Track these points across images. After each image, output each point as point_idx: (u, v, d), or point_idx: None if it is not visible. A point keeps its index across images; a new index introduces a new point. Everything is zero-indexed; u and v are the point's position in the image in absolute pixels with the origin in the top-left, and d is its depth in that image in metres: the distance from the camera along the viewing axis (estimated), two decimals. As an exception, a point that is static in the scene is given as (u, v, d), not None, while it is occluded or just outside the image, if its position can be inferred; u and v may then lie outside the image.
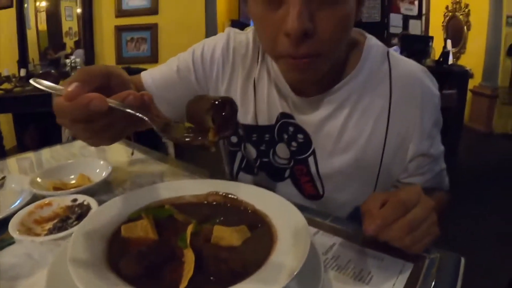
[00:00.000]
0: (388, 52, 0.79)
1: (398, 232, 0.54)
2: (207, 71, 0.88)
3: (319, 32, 0.61)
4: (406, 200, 0.56)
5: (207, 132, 0.50)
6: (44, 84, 0.49)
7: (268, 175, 0.89)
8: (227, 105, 0.50)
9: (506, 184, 3.39)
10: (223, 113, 0.50)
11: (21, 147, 3.82)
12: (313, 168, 0.82)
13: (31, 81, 0.50)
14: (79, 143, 1.22)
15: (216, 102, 0.50)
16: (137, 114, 0.48)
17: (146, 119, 0.49)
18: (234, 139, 0.91)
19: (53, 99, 0.48)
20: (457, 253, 0.60)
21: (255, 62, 0.85)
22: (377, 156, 0.78)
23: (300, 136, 0.81)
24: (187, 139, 0.50)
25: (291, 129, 0.82)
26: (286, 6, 0.59)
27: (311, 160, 0.82)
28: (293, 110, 0.81)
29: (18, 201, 0.73)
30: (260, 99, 0.84)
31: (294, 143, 0.83)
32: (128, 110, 0.47)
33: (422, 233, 0.55)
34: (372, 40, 0.80)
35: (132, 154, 1.03)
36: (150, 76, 0.90)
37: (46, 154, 1.15)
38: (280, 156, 0.86)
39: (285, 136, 0.83)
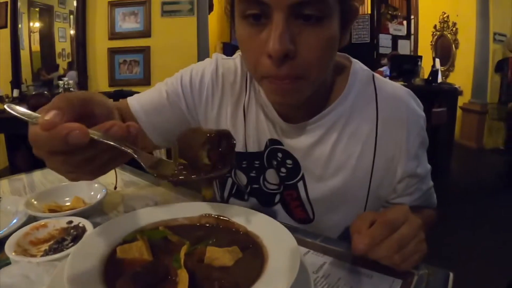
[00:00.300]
0: (373, 76, 0.81)
1: (387, 251, 0.56)
2: (196, 97, 0.88)
3: (301, 54, 0.61)
4: (394, 219, 0.58)
5: (200, 169, 0.47)
6: (19, 111, 0.44)
7: (259, 201, 0.90)
8: (224, 140, 0.48)
9: (497, 200, 3.42)
10: (220, 149, 0.47)
11: (13, 168, 3.80)
12: (302, 193, 0.83)
13: (5, 106, 0.45)
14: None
15: (212, 135, 0.47)
16: (122, 148, 0.44)
17: (132, 153, 0.45)
18: None
19: (29, 128, 0.43)
20: (446, 269, 0.62)
21: (244, 89, 0.86)
22: (365, 179, 0.79)
23: (289, 161, 0.82)
24: (180, 177, 0.47)
25: (279, 155, 0.83)
26: (269, 28, 0.60)
27: (300, 185, 0.83)
28: (281, 136, 0.82)
29: (14, 222, 0.74)
30: (249, 125, 0.85)
31: (283, 169, 0.84)
32: (112, 143, 0.43)
33: (410, 251, 0.57)
34: (357, 65, 0.81)
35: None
36: (138, 101, 0.88)
37: (38, 176, 1.15)
38: (270, 181, 0.87)
39: (274, 162, 0.84)
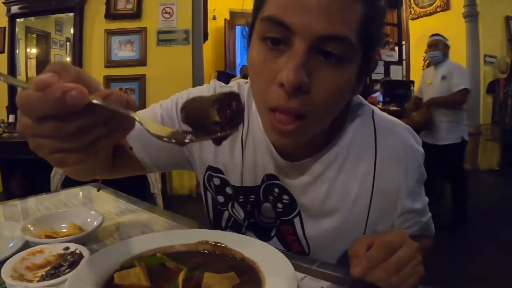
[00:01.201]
0: (373, 112, 0.79)
1: (385, 273, 0.56)
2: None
3: (314, 90, 0.59)
4: (391, 242, 0.58)
5: (209, 134, 0.45)
6: (10, 78, 0.40)
7: (256, 235, 0.87)
8: (233, 100, 0.46)
9: (493, 220, 3.43)
10: (230, 107, 0.45)
11: (8, 194, 3.77)
12: (299, 229, 0.82)
13: None
14: (65, 193, 1.23)
15: (224, 95, 0.45)
16: (126, 112, 0.40)
17: (136, 118, 0.41)
18: (221, 198, 0.88)
19: (19, 93, 0.38)
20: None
21: (242, 122, 0.79)
22: (362, 218, 0.78)
23: (285, 197, 0.80)
24: (189, 139, 0.44)
25: (276, 190, 0.81)
26: (287, 57, 0.58)
27: (297, 221, 0.81)
28: (278, 172, 0.80)
29: (10, 247, 0.74)
30: (246, 159, 0.82)
31: (279, 204, 0.82)
32: (113, 107, 0.39)
33: (408, 273, 0.57)
34: (356, 100, 0.79)
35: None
36: None
37: (33, 202, 1.15)
38: (266, 215, 0.85)
39: (271, 198, 0.82)
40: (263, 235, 0.86)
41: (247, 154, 0.82)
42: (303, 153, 0.76)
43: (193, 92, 0.88)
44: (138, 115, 0.41)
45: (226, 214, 0.90)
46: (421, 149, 0.79)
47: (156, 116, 0.84)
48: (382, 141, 0.76)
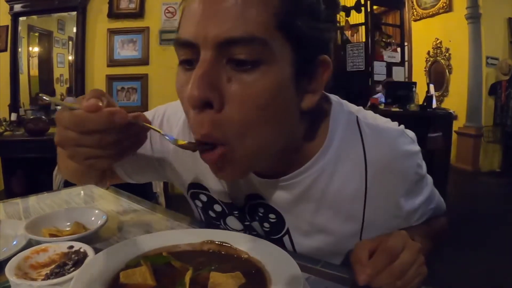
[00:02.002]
0: (357, 119, 0.70)
1: (390, 279, 0.56)
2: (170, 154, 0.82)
3: (228, 107, 0.52)
4: (393, 247, 0.58)
5: None
6: (52, 98, 0.52)
7: None
8: None
9: (495, 222, 3.42)
10: None
11: (9, 192, 3.78)
12: (289, 247, 0.78)
13: (41, 95, 0.55)
14: (66, 191, 1.24)
15: None
16: (155, 129, 0.57)
17: (161, 132, 0.58)
18: (212, 214, 0.85)
19: (61, 112, 0.50)
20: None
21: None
22: (355, 232, 0.73)
23: (272, 216, 0.76)
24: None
25: (261, 210, 0.76)
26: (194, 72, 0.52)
27: (286, 239, 0.78)
28: (260, 191, 0.74)
29: (13, 246, 0.74)
30: (224, 182, 0.76)
31: (266, 224, 0.78)
32: (147, 125, 0.55)
33: (412, 276, 0.57)
34: (337, 107, 0.71)
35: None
36: None
37: (34, 201, 1.15)
38: (257, 231, 0.81)
39: (257, 218, 0.78)
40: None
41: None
42: (282, 170, 0.70)
43: (171, 108, 0.84)
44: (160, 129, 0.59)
45: (221, 227, 0.86)
46: (416, 148, 0.72)
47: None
48: (372, 153, 0.68)
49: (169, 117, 0.82)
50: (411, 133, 0.73)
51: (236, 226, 0.83)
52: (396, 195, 0.72)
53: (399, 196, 0.72)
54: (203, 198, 0.83)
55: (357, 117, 0.71)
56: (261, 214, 0.77)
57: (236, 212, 0.81)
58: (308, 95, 0.60)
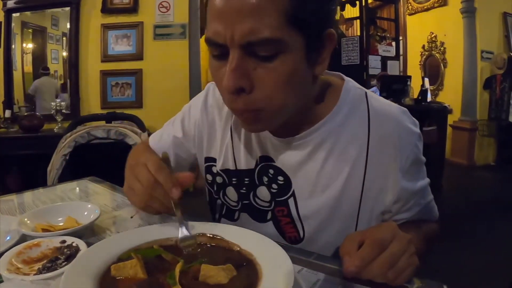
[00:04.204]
0: (366, 94, 0.81)
1: (380, 269, 0.57)
2: (194, 139, 0.97)
3: (257, 88, 0.65)
4: (382, 238, 0.59)
5: None
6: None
7: (250, 216, 0.90)
8: None
9: (489, 215, 3.45)
10: None
11: (4, 189, 3.76)
12: (293, 210, 0.83)
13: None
14: (61, 187, 1.24)
15: None
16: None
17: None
18: (214, 188, 0.95)
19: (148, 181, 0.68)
20: (439, 282, 0.62)
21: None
22: (356, 197, 0.79)
23: (280, 178, 0.83)
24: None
25: (271, 171, 0.84)
26: (227, 66, 0.64)
27: (291, 201, 0.83)
28: (273, 152, 0.83)
29: (6, 241, 0.74)
30: (237, 145, 0.88)
31: (274, 185, 0.84)
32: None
33: (402, 266, 0.58)
34: (350, 83, 0.82)
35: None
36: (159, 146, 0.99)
37: (29, 197, 1.15)
38: (261, 198, 0.87)
39: (265, 179, 0.85)
40: (258, 217, 0.89)
41: (237, 140, 0.88)
42: (295, 130, 0.80)
43: (194, 103, 0.99)
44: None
45: (219, 202, 0.95)
46: (417, 130, 0.80)
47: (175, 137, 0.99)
48: (375, 122, 0.78)
49: (211, 104, 0.96)
50: (413, 118, 0.81)
51: (232, 197, 0.91)
52: (394, 168, 0.77)
53: (396, 170, 0.77)
54: (214, 170, 0.93)
55: (366, 92, 0.82)
56: (270, 176, 0.84)
57: (234, 180, 0.90)
58: (319, 64, 0.70)
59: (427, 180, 0.84)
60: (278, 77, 0.64)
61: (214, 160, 0.93)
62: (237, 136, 0.88)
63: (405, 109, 0.81)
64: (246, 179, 0.88)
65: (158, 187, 0.68)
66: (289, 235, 0.86)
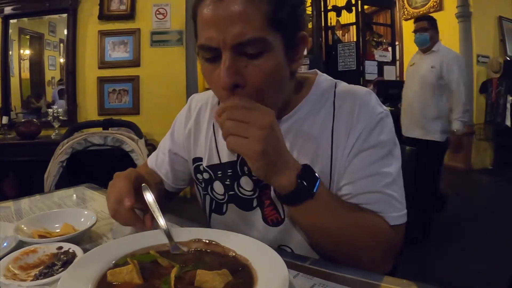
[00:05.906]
0: (335, 84, 0.90)
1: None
2: (184, 146, 1.04)
3: (249, 83, 0.73)
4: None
5: None
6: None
7: (238, 206, 0.93)
8: None
9: (487, 219, 3.45)
10: None
11: (1, 196, 3.75)
12: (272, 191, 0.85)
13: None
14: (58, 194, 1.24)
15: None
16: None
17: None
18: (201, 183, 1.00)
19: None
20: (435, 286, 0.62)
21: (216, 107, 0.95)
22: (326, 174, 0.83)
23: None
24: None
25: None
26: (221, 66, 0.71)
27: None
28: None
29: (3, 247, 0.74)
30: (220, 139, 0.94)
31: None
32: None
33: (243, 127, 0.67)
34: (322, 77, 0.91)
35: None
36: (157, 166, 1.08)
37: (26, 203, 1.15)
38: (245, 188, 0.91)
39: (246, 169, 0.90)
40: (245, 206, 0.92)
41: (219, 134, 0.93)
42: (278, 117, 0.84)
43: (179, 115, 1.08)
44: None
45: (208, 198, 1.00)
46: (381, 108, 0.84)
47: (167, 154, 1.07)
48: (339, 102, 0.86)
49: (195, 107, 1.05)
50: (379, 101, 0.87)
51: (219, 190, 0.96)
52: (351, 134, 0.81)
53: (353, 135, 0.81)
54: (201, 168, 0.99)
55: (336, 82, 0.91)
56: None
57: (219, 173, 0.95)
58: (295, 62, 0.80)
59: (391, 171, 0.81)
60: (265, 71, 0.73)
61: (200, 159, 0.99)
62: (218, 131, 0.94)
63: (371, 91, 0.88)
64: (229, 171, 0.93)
65: (121, 203, 0.77)
66: (271, 218, 0.89)
